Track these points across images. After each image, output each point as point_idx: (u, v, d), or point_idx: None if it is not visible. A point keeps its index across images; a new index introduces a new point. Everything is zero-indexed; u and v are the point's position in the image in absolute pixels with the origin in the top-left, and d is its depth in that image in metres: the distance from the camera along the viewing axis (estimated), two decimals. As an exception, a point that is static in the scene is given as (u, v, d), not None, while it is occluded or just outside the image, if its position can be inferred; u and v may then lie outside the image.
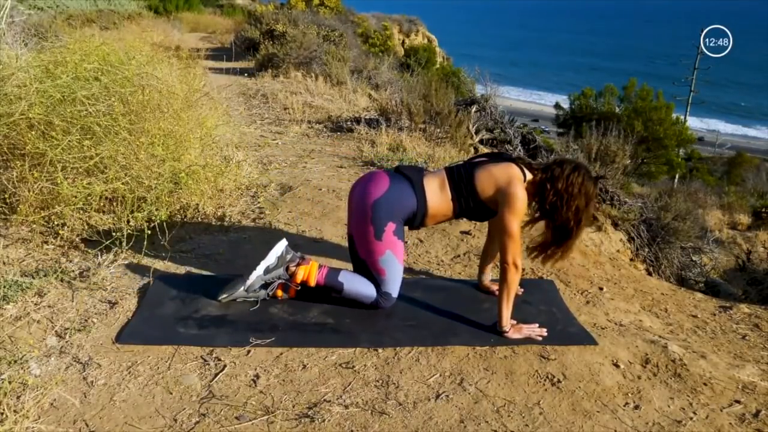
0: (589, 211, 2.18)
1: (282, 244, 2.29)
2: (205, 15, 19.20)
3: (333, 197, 3.50)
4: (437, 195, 2.20)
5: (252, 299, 2.26)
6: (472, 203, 2.19)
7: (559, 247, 2.20)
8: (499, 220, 2.16)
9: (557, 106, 22.12)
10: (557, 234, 2.18)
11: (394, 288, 2.23)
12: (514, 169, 2.18)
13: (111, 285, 2.32)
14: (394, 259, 2.20)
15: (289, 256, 2.28)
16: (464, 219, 2.39)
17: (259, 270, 2.24)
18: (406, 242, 2.90)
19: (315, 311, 2.24)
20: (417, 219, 2.22)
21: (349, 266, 2.36)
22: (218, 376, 1.84)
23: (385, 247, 2.17)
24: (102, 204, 2.83)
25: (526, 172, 2.20)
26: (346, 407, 1.72)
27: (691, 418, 1.78)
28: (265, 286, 2.27)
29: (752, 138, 38.50)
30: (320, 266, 2.26)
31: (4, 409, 1.51)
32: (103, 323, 2.08)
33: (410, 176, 2.22)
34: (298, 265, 2.25)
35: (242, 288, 2.25)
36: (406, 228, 2.28)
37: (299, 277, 2.23)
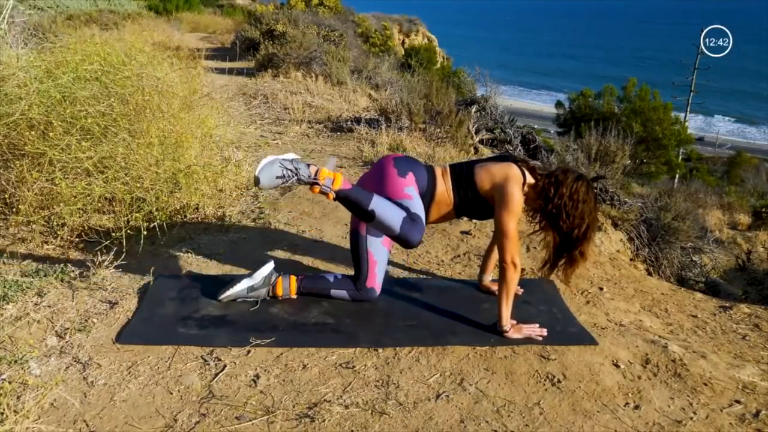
0: (594, 218, 2.17)
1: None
2: (205, 15, 19.14)
3: (333, 197, 3.49)
4: (441, 182, 2.26)
5: (252, 299, 2.27)
6: (470, 195, 2.22)
7: (570, 257, 2.18)
8: (495, 220, 2.17)
9: (558, 104, 22.12)
10: (564, 244, 2.17)
11: (420, 212, 2.17)
12: (513, 169, 2.19)
13: (111, 285, 2.32)
14: (416, 193, 2.20)
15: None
16: (464, 217, 2.39)
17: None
18: None
19: (315, 311, 2.24)
20: (424, 201, 2.23)
21: (350, 270, 2.36)
22: (218, 376, 1.84)
23: (410, 182, 2.19)
24: (102, 204, 2.83)
25: (527, 175, 2.20)
26: (346, 407, 1.72)
27: (691, 418, 1.78)
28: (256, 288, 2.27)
29: (752, 138, 38.51)
30: (345, 179, 2.10)
31: (4, 409, 1.51)
32: (103, 323, 2.08)
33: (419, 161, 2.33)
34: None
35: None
36: None
37: (327, 179, 2.02)
